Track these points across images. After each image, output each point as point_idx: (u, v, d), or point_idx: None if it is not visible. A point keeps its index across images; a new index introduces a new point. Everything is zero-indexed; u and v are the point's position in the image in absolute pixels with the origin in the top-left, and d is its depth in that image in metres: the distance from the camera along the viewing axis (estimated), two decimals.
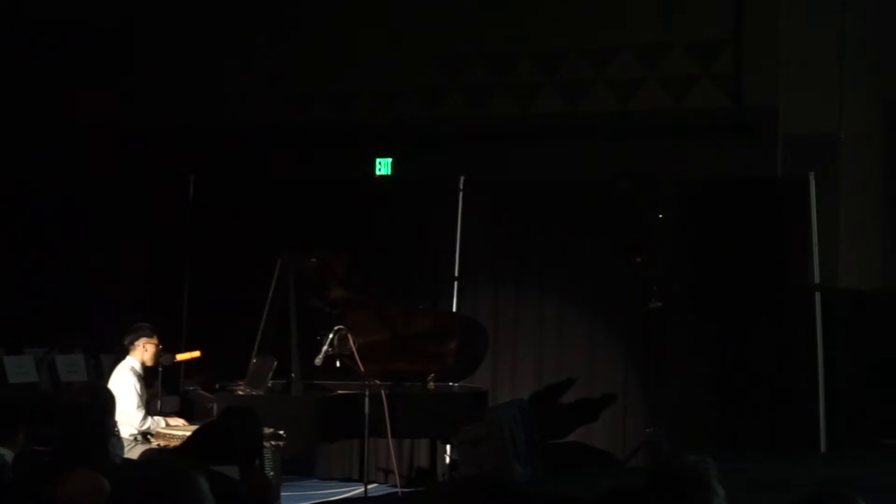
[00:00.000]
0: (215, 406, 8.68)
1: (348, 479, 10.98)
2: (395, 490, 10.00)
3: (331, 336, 9.23)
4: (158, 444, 8.61)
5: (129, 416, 8.86)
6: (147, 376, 9.20)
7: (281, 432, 8.27)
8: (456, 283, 11.29)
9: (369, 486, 9.98)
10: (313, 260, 9.60)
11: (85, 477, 4.56)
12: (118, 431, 7.87)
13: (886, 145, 11.35)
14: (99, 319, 11.50)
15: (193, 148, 12.77)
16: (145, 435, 8.83)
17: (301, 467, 10.73)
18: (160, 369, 9.19)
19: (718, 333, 10.58)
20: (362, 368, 9.14)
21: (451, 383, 10.10)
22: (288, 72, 13.04)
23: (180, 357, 9.42)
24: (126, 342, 9.17)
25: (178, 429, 8.82)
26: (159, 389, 9.32)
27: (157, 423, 8.98)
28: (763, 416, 10.41)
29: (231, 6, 13.22)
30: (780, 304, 10.52)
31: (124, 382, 8.99)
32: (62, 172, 12.65)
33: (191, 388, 9.47)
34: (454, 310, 11.18)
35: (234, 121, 13.08)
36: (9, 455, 5.77)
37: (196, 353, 9.53)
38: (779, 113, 11.28)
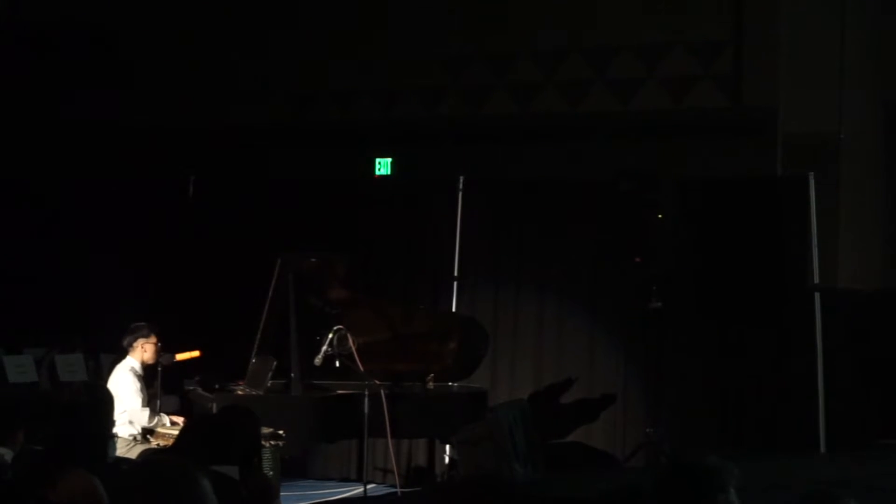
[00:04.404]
0: (215, 406, 8.68)
1: (346, 479, 10.98)
2: (394, 490, 10.00)
3: (330, 336, 9.23)
4: (158, 444, 8.62)
5: (135, 415, 8.88)
6: (147, 376, 9.21)
7: (280, 432, 8.27)
8: (456, 283, 11.29)
9: (368, 486, 9.98)
10: (313, 260, 9.60)
11: (78, 479, 4.55)
12: (115, 432, 7.88)
13: (886, 145, 11.34)
14: (99, 319, 11.49)
15: (193, 148, 12.77)
16: (145, 435, 8.84)
17: (299, 467, 10.73)
18: (160, 369, 9.19)
19: (718, 333, 10.58)
20: (362, 368, 9.14)
21: (450, 383, 10.10)
22: (288, 72, 13.04)
23: (180, 357, 9.42)
24: (125, 343, 9.19)
25: (179, 428, 8.83)
26: (159, 389, 9.32)
27: (162, 419, 9.01)
28: (763, 416, 10.41)
29: (231, 6, 13.21)
30: (779, 304, 10.52)
31: (124, 382, 9.01)
32: (62, 172, 12.64)
33: (190, 387, 9.47)
34: (454, 310, 11.18)
35: (234, 121, 13.07)
36: (8, 455, 5.78)
37: (196, 353, 9.53)
38: (779, 113, 11.27)
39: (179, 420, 9.13)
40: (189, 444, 5.83)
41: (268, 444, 7.88)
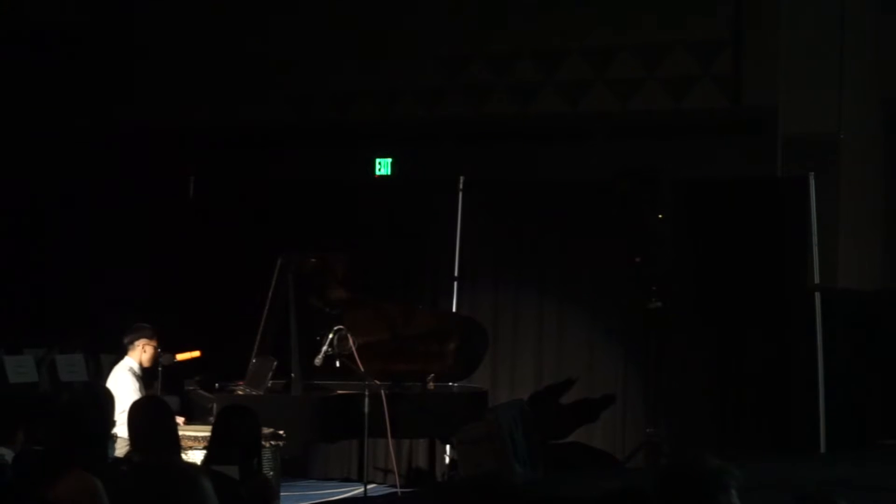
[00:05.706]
0: (215, 406, 8.67)
1: (346, 479, 10.98)
2: (394, 490, 10.00)
3: (330, 336, 9.22)
4: None
5: None
6: (147, 376, 9.19)
7: (280, 432, 8.26)
8: (456, 282, 11.29)
9: (368, 487, 9.97)
10: (313, 260, 9.59)
11: (78, 479, 4.55)
12: (115, 432, 7.86)
13: (886, 145, 11.35)
14: (99, 319, 11.49)
15: (193, 148, 12.78)
16: None
17: (299, 467, 10.72)
18: (160, 369, 9.17)
19: (718, 333, 10.58)
20: (362, 368, 9.13)
21: (450, 383, 10.10)
22: (288, 72, 13.04)
23: (180, 357, 9.39)
24: (126, 341, 9.15)
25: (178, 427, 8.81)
26: (159, 389, 9.30)
27: None
28: (763, 416, 10.41)
29: (231, 6, 13.21)
30: (779, 304, 10.52)
31: (123, 382, 8.98)
32: (62, 172, 12.64)
33: (191, 388, 9.46)
34: (454, 310, 11.18)
35: (234, 121, 13.07)
36: (8, 455, 5.78)
37: (196, 353, 9.51)
38: (778, 113, 11.28)
39: (180, 420, 9.10)
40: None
41: (268, 444, 7.87)
